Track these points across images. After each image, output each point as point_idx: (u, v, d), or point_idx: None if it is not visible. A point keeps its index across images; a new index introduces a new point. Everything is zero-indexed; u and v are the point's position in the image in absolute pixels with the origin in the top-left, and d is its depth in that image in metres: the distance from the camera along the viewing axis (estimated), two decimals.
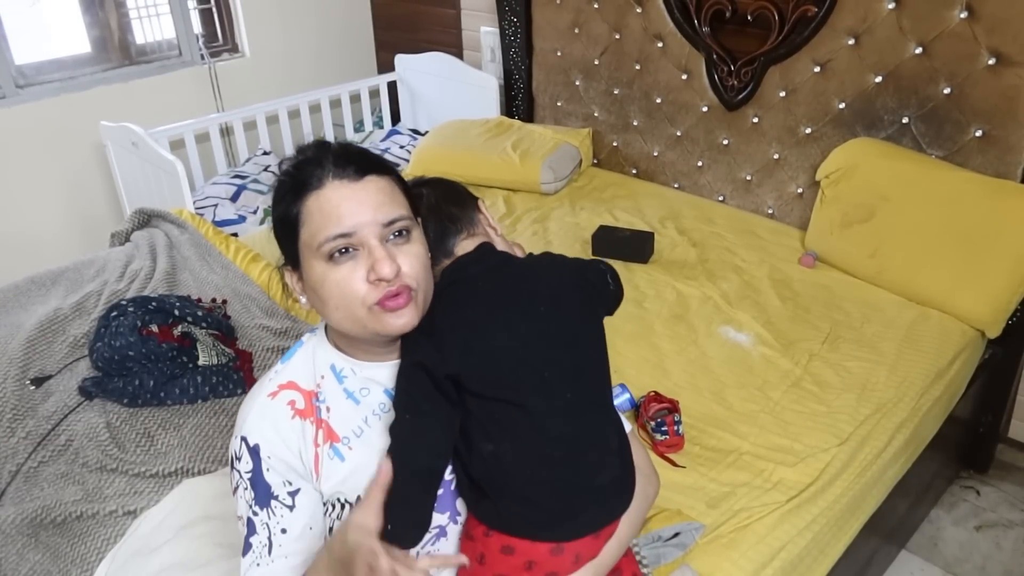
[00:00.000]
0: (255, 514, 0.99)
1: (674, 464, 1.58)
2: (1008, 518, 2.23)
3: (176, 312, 1.92)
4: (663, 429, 1.62)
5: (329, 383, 1.03)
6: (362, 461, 1.00)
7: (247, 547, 0.99)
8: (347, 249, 0.93)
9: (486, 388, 0.95)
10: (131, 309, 1.88)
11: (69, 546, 1.44)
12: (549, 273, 1.06)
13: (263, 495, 0.99)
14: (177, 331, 1.89)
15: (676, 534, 1.37)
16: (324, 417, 1.01)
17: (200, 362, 1.83)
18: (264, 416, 1.00)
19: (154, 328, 1.86)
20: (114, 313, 1.88)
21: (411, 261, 0.95)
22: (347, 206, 0.93)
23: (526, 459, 0.95)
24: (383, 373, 1.03)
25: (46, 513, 1.49)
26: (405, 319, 0.95)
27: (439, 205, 1.08)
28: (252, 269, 2.31)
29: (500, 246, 1.09)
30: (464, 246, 1.06)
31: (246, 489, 0.99)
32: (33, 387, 1.83)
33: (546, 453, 0.96)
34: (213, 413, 1.75)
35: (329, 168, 0.95)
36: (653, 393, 1.72)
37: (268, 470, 0.98)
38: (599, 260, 1.14)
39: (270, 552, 0.98)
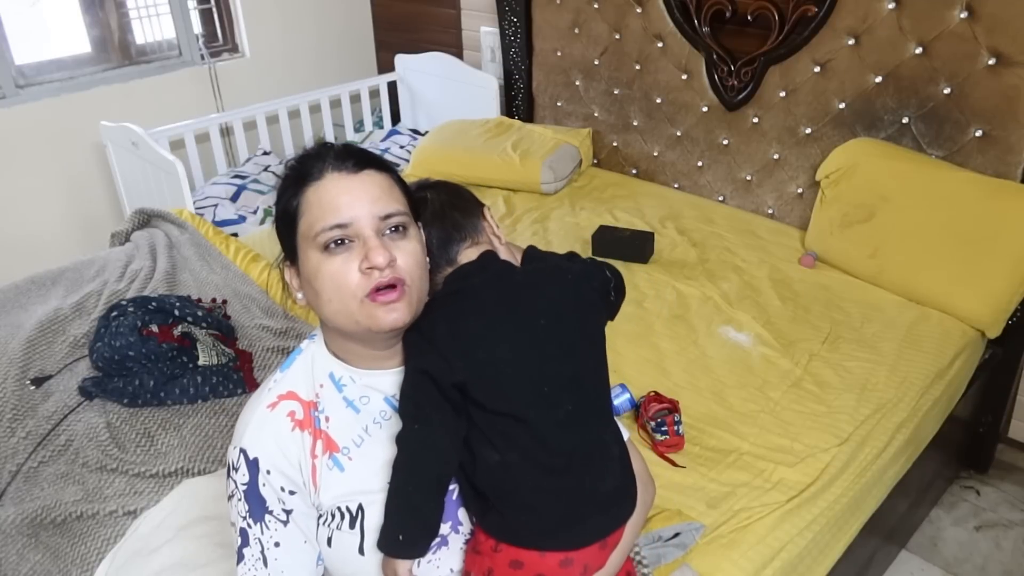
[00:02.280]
0: (248, 526, 0.99)
1: (674, 464, 1.58)
2: (1008, 518, 2.23)
3: (176, 312, 1.92)
4: (663, 429, 1.62)
5: (328, 392, 1.02)
6: (362, 471, 1.00)
7: (240, 557, 0.99)
8: (342, 240, 0.93)
9: (488, 400, 0.95)
10: (131, 309, 1.88)
11: (69, 546, 1.44)
12: (551, 284, 1.04)
13: (257, 509, 0.98)
14: (177, 331, 1.89)
15: (676, 534, 1.37)
16: (323, 428, 1.01)
17: (200, 362, 1.83)
18: (264, 428, 1.00)
19: (154, 328, 1.86)
20: (114, 313, 1.88)
21: (406, 257, 0.95)
22: (345, 198, 0.93)
23: (531, 468, 0.95)
24: (383, 381, 1.02)
25: (46, 513, 1.49)
26: (396, 314, 0.94)
27: (443, 211, 1.06)
28: (252, 269, 2.31)
29: (503, 255, 1.08)
30: (467, 254, 1.05)
31: (240, 500, 0.99)
32: (33, 387, 1.83)
33: (550, 463, 0.96)
34: (213, 413, 1.75)
35: (329, 161, 0.96)
36: (653, 393, 1.72)
37: (264, 485, 0.98)
38: (606, 266, 1.12)
39: (266, 565, 0.98)
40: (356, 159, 0.96)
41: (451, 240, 1.05)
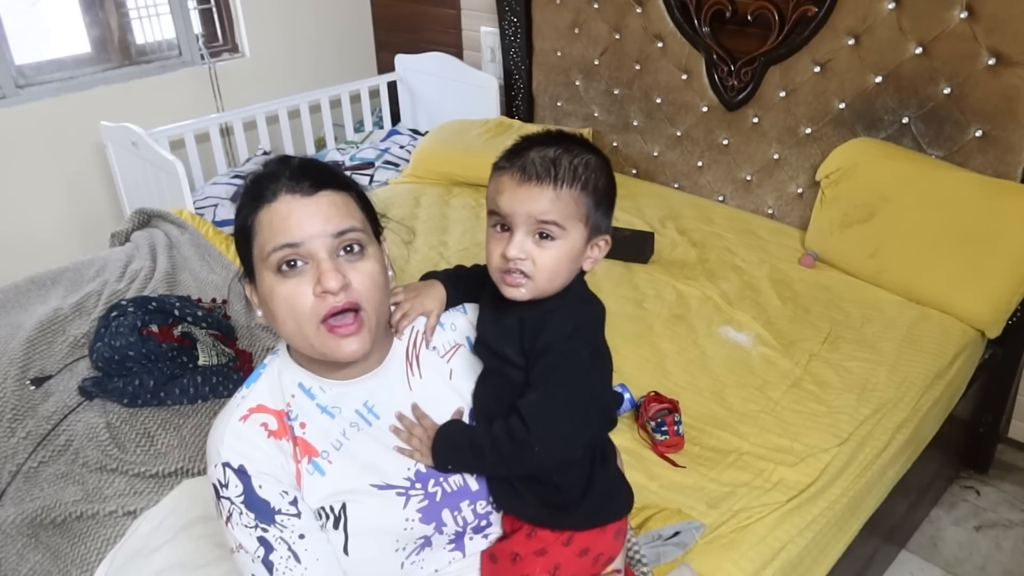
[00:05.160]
0: (264, 531, 0.95)
1: (674, 464, 1.58)
2: (1008, 518, 2.23)
3: (176, 312, 1.92)
4: (663, 429, 1.62)
5: (301, 400, 1.01)
6: (343, 472, 0.99)
7: (268, 567, 0.95)
8: (295, 262, 0.91)
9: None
10: (131, 309, 1.88)
11: (69, 546, 1.44)
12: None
13: (264, 512, 0.95)
14: (177, 331, 1.89)
15: (676, 533, 1.37)
16: (299, 434, 0.99)
17: (200, 362, 1.83)
18: (241, 438, 0.98)
19: (154, 328, 1.86)
20: (114, 313, 1.88)
21: (362, 278, 0.93)
22: (295, 218, 0.92)
23: (601, 457, 1.06)
24: (352, 390, 1.02)
25: (46, 513, 1.49)
26: (356, 346, 0.93)
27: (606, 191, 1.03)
28: None
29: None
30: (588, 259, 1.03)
31: (242, 514, 0.95)
32: (33, 387, 1.82)
33: (605, 449, 1.09)
34: (213, 413, 1.74)
35: (284, 182, 0.93)
36: (653, 393, 1.72)
37: (261, 487, 0.95)
38: None
39: (299, 560, 0.95)
40: (313, 180, 0.94)
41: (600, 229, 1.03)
